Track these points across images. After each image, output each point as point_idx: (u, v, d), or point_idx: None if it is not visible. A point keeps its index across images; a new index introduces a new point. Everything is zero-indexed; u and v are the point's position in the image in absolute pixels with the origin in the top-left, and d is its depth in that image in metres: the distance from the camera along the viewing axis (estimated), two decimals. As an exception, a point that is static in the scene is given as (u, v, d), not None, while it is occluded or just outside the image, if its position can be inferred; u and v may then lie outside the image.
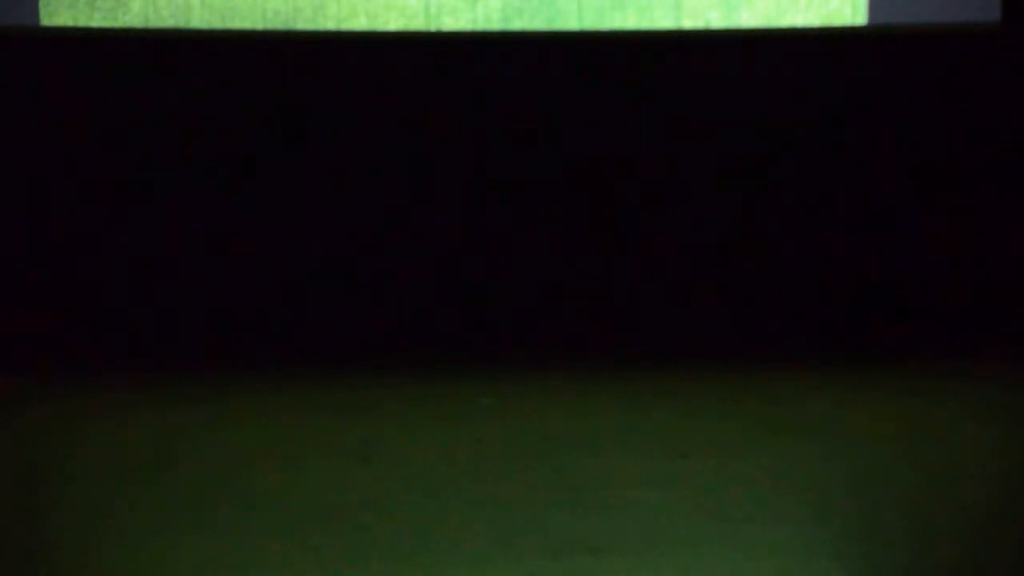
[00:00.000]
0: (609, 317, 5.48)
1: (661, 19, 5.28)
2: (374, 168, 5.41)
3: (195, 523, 3.90)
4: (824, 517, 3.94)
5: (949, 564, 3.68)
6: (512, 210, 5.44)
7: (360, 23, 5.29)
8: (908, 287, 5.51)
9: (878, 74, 5.41)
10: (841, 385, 4.99)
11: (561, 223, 5.45)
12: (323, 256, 5.44)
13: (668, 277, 5.48)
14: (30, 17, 5.24)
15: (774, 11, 5.31)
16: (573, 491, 4.10)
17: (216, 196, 5.40)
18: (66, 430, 4.59)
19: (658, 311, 5.48)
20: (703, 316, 5.48)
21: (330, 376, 5.10)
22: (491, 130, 5.41)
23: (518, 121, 5.41)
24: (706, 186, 5.45)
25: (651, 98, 5.40)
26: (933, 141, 5.45)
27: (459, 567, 3.65)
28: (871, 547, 3.77)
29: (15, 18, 5.25)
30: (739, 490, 4.10)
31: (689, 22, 5.29)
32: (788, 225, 5.48)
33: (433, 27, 5.29)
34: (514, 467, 4.28)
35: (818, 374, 5.10)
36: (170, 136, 5.36)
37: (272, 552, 3.72)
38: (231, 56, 5.33)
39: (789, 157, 5.44)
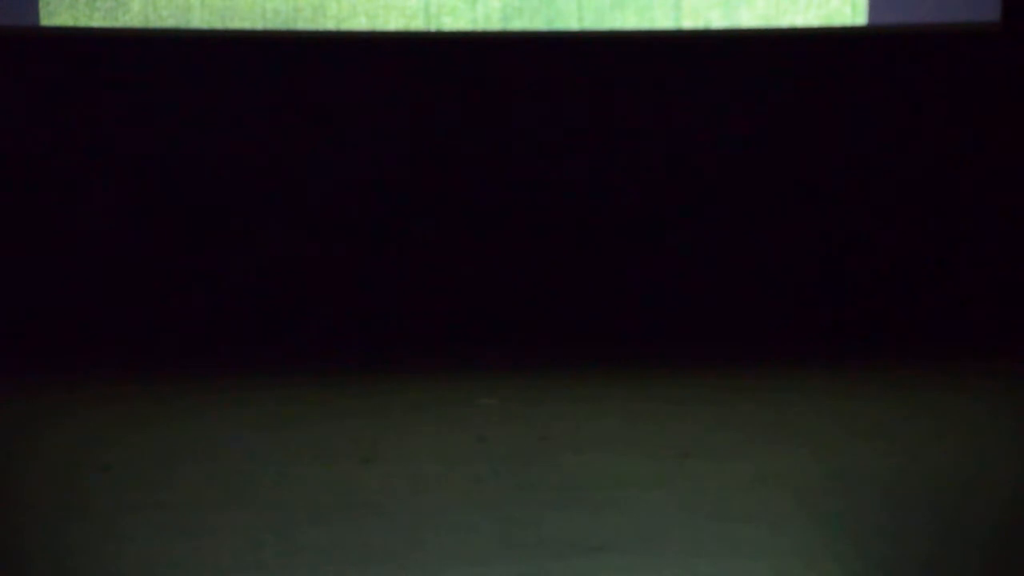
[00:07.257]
0: (609, 317, 5.47)
1: (661, 19, 5.28)
2: (374, 167, 5.41)
3: (195, 523, 3.89)
4: (825, 518, 3.94)
5: (948, 564, 3.68)
6: (512, 209, 5.44)
7: (360, 23, 5.29)
8: (910, 288, 5.51)
9: (878, 74, 5.41)
10: (843, 387, 4.99)
11: (560, 222, 5.45)
12: (321, 256, 5.44)
13: (669, 277, 5.48)
14: (30, 17, 5.24)
15: (774, 11, 5.31)
16: (573, 491, 4.09)
17: (215, 195, 5.40)
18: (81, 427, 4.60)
19: (659, 311, 5.48)
20: (704, 316, 5.48)
21: (330, 377, 5.10)
22: (490, 130, 5.41)
23: (518, 121, 5.41)
24: (706, 185, 5.45)
25: (651, 98, 5.40)
26: (933, 141, 5.45)
27: (459, 567, 3.65)
28: (871, 548, 3.77)
29: (15, 18, 5.24)
30: (739, 491, 4.10)
31: (689, 22, 5.29)
32: (788, 225, 5.48)
33: (433, 27, 5.29)
34: (514, 467, 4.28)
35: (820, 376, 5.10)
36: (170, 135, 5.36)
37: (272, 552, 3.72)
38: (231, 56, 5.33)
39: (789, 157, 5.44)
